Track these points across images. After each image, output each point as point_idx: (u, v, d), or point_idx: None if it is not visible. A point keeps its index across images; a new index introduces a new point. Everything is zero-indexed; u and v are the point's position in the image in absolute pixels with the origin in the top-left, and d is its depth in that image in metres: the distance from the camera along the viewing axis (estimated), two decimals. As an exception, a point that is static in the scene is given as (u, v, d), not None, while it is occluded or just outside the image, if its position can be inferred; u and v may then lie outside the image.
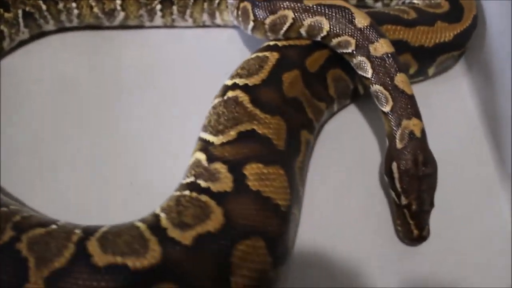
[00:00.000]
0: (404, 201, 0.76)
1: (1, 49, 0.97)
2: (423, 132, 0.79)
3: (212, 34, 1.06)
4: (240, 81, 0.80)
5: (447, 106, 0.98)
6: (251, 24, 0.90)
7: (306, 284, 0.74)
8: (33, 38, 1.02)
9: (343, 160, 0.89)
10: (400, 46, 0.90)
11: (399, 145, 0.79)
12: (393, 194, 0.79)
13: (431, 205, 0.77)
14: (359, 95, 0.94)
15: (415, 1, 1.01)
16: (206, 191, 0.66)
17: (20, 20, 0.96)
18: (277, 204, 0.67)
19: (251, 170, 0.68)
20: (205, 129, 0.76)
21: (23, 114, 0.92)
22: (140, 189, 0.83)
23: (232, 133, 0.72)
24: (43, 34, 1.03)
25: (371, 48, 0.82)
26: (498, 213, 0.85)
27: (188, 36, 1.06)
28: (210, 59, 1.01)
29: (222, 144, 0.71)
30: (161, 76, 0.99)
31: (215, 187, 0.67)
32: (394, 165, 0.78)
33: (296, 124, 0.78)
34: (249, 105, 0.75)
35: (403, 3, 1.03)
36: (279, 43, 0.87)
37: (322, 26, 0.84)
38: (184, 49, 1.04)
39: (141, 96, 0.96)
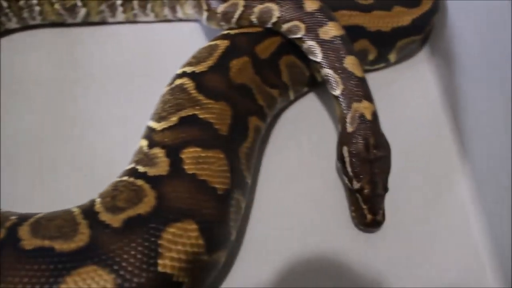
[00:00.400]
0: (356, 185, 0.74)
1: (-36, 47, 0.98)
2: (374, 114, 0.78)
3: (174, 28, 1.06)
4: (188, 69, 0.79)
5: (410, 92, 0.96)
6: (205, 14, 0.90)
7: (259, 273, 0.73)
8: (-3, 36, 1.03)
9: (301, 147, 0.87)
10: (356, 31, 0.89)
11: (349, 128, 0.77)
12: (345, 179, 0.77)
13: (385, 189, 0.75)
14: (317, 82, 0.92)
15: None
16: (143, 175, 0.66)
17: (-19, 18, 0.97)
18: (214, 187, 0.65)
19: (188, 154, 0.67)
20: (151, 117, 0.76)
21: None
22: (98, 179, 0.82)
23: (174, 119, 0.71)
24: (7, 32, 1.03)
25: (320, 32, 0.81)
26: (459, 199, 0.82)
27: (151, 31, 1.05)
28: (173, 52, 0.99)
29: (163, 129, 0.71)
30: (124, 71, 0.99)
31: (151, 171, 0.66)
32: (345, 149, 0.76)
33: (243, 110, 0.77)
34: (193, 91, 0.75)
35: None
36: (232, 32, 0.86)
37: (272, 12, 0.83)
38: (147, 43, 1.04)
39: (103, 91, 0.96)
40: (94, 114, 0.92)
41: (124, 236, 0.59)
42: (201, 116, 0.71)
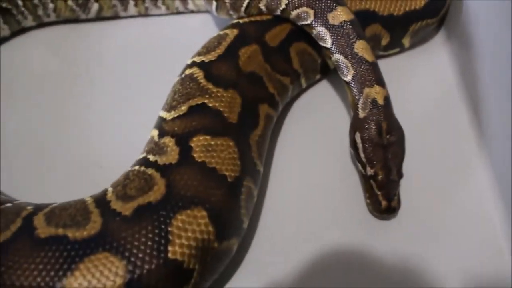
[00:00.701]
0: (369, 171, 0.73)
1: (-18, 46, 1.00)
2: (386, 99, 0.76)
3: (186, 20, 1.06)
4: (197, 59, 0.79)
5: (426, 77, 0.94)
6: (214, 4, 0.90)
7: (272, 261, 0.73)
8: (14, 34, 1.05)
9: (314, 135, 0.86)
10: (368, 16, 0.87)
11: (361, 114, 0.76)
12: (359, 166, 0.76)
13: (399, 174, 0.74)
14: (330, 69, 0.91)
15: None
16: (153, 164, 0.66)
17: (-1, 16, 0.99)
18: (223, 175, 0.65)
19: (197, 142, 0.67)
20: (163, 107, 0.76)
21: (3, 105, 0.94)
22: (111, 171, 0.84)
23: (183, 108, 0.72)
24: (24, 30, 1.06)
25: (329, 17, 0.80)
26: (476, 183, 0.80)
27: (163, 24, 1.06)
28: (185, 44, 1.00)
29: (173, 119, 0.71)
30: (138, 64, 1.00)
31: (161, 160, 0.66)
32: (357, 135, 0.75)
33: (253, 98, 0.77)
34: (202, 80, 0.75)
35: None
36: (241, 21, 0.86)
37: None
38: (160, 36, 1.04)
39: (118, 84, 0.97)
40: (110, 106, 0.93)
41: (134, 223, 0.59)
42: (210, 105, 0.71)
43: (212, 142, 0.67)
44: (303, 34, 0.85)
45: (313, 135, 0.87)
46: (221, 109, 0.71)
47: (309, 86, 0.92)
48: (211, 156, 0.66)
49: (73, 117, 0.92)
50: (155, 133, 0.72)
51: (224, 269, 0.68)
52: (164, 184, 0.63)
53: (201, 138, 0.68)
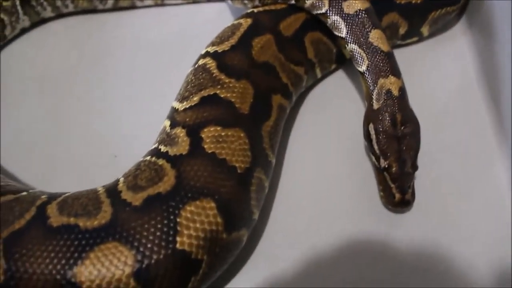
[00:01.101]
0: (383, 163, 0.72)
1: (4, 37, 1.02)
2: (401, 90, 0.74)
3: (202, 9, 1.06)
4: (211, 49, 0.79)
5: (445, 68, 0.91)
6: None
7: (283, 254, 0.72)
8: (34, 25, 1.06)
9: (328, 126, 0.85)
10: (385, 4, 0.85)
11: (376, 105, 0.74)
12: (373, 158, 0.75)
13: (414, 167, 0.72)
14: (345, 59, 0.89)
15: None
16: (164, 155, 0.66)
17: (19, 8, 1.00)
18: (233, 166, 0.65)
19: (208, 133, 0.67)
20: (176, 97, 0.76)
21: (24, 96, 0.96)
22: (126, 161, 0.84)
23: (195, 99, 0.71)
24: (44, 21, 1.07)
25: (344, 6, 0.78)
26: (495, 179, 0.78)
27: (179, 13, 1.06)
28: (201, 33, 0.99)
29: (185, 109, 0.71)
30: (154, 53, 1.00)
31: (172, 150, 0.66)
32: (371, 127, 0.74)
33: (266, 88, 0.76)
34: (215, 71, 0.74)
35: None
36: (255, 10, 0.85)
37: None
38: (176, 25, 1.04)
39: (133, 74, 0.97)
40: (125, 96, 0.94)
41: (144, 214, 0.60)
42: (221, 95, 0.71)
43: (223, 133, 0.67)
44: (318, 23, 0.83)
45: (327, 126, 0.85)
46: (232, 100, 0.71)
47: (324, 76, 0.91)
48: (221, 147, 0.66)
49: (89, 107, 0.93)
50: (167, 123, 0.72)
51: (234, 259, 0.68)
52: (174, 175, 0.63)
53: (211, 129, 0.67)
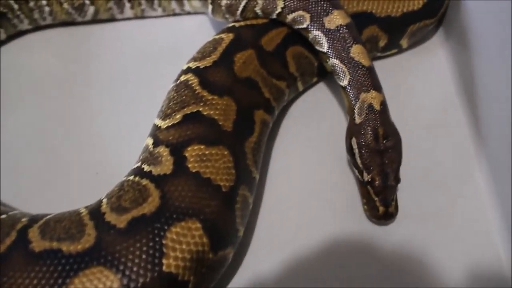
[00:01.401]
0: (366, 177, 0.72)
1: (-21, 50, 0.99)
2: (383, 104, 0.75)
3: (183, 22, 1.05)
4: (192, 64, 0.78)
5: (424, 78, 0.93)
6: (210, 7, 0.88)
7: (268, 268, 0.72)
8: (11, 37, 1.04)
9: (311, 139, 0.86)
10: (365, 18, 0.86)
11: (358, 119, 0.75)
12: (356, 172, 0.75)
13: (396, 179, 0.73)
14: (327, 72, 0.90)
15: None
16: (148, 175, 0.66)
17: (-6, 20, 0.98)
18: (218, 185, 0.65)
19: (192, 151, 0.67)
20: (158, 114, 0.75)
21: (5, 109, 0.94)
22: (107, 178, 0.83)
23: (178, 116, 0.71)
24: (21, 33, 1.05)
25: (325, 21, 0.78)
26: (474, 186, 0.80)
27: (160, 26, 1.05)
28: (182, 47, 0.99)
29: (167, 127, 0.70)
30: (134, 67, 0.99)
31: (156, 170, 0.66)
32: (354, 141, 0.74)
33: (249, 104, 0.76)
34: (197, 87, 0.74)
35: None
36: (237, 24, 0.85)
37: (277, 2, 0.81)
38: (156, 38, 1.03)
39: (112, 89, 0.96)
40: (104, 112, 0.92)
41: (129, 236, 0.59)
42: (204, 113, 0.70)
43: (207, 152, 0.67)
44: (299, 37, 0.83)
45: (310, 138, 0.86)
46: (216, 117, 0.70)
47: (306, 89, 0.91)
48: (205, 166, 0.66)
49: (69, 122, 0.92)
50: (150, 141, 0.71)
51: (220, 277, 0.68)
52: (158, 196, 0.62)
53: (195, 147, 0.67)
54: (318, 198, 0.79)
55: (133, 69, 0.99)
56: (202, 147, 0.67)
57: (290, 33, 0.84)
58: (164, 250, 0.58)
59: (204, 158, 0.66)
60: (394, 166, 0.73)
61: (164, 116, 0.72)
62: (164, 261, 0.58)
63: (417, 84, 0.92)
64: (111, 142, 0.88)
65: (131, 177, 0.67)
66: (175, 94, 0.75)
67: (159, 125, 0.72)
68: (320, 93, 0.92)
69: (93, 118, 0.92)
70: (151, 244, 0.58)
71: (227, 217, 0.65)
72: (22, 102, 0.95)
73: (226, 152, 0.68)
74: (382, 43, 0.90)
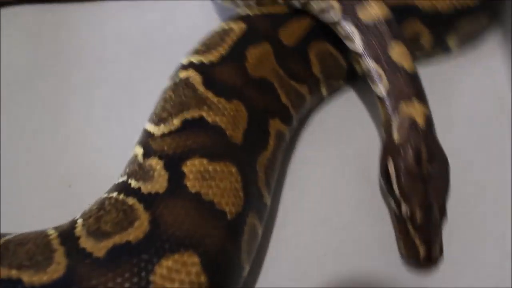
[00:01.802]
0: (405, 209, 0.70)
1: None
2: (428, 119, 0.73)
3: (182, 5, 1.04)
4: (195, 59, 0.77)
5: (475, 87, 0.91)
6: None
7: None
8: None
9: (334, 157, 0.84)
10: (407, 11, 0.85)
11: (397, 137, 0.73)
12: (391, 201, 0.73)
13: (443, 214, 0.70)
14: (357, 75, 0.89)
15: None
16: (136, 192, 0.64)
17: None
18: (223, 210, 0.63)
19: (192, 167, 0.65)
20: (150, 117, 0.74)
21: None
22: (82, 192, 0.81)
23: (176, 122, 0.69)
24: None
25: (359, 13, 0.77)
26: None
27: (157, 8, 1.05)
28: (181, 35, 0.99)
29: (163, 135, 0.68)
30: (122, 59, 0.98)
31: (146, 187, 0.64)
32: (391, 163, 0.72)
33: (262, 111, 0.74)
34: (200, 87, 0.72)
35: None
36: (251, 12, 0.83)
37: None
38: (152, 23, 1.03)
39: (93, 83, 0.95)
40: (79, 112, 0.91)
41: (108, 269, 0.57)
42: (209, 119, 0.69)
43: (210, 168, 0.65)
44: (326, 31, 0.82)
45: (333, 157, 0.84)
46: (222, 126, 0.69)
47: (330, 94, 0.90)
48: (208, 185, 0.64)
49: (38, 123, 0.90)
50: (139, 151, 0.69)
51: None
52: (147, 219, 0.60)
53: (196, 162, 0.65)
54: (341, 232, 0.77)
55: (121, 59, 0.98)
56: (205, 161, 0.65)
57: (314, 25, 0.82)
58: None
59: (207, 176, 0.64)
60: (440, 197, 0.70)
61: (158, 120, 0.71)
62: None
63: (468, 95, 0.91)
64: (88, 149, 0.86)
65: (114, 194, 0.65)
66: (172, 94, 0.73)
67: (151, 132, 0.70)
68: (347, 100, 0.90)
69: (65, 119, 0.90)
70: (135, 280, 0.56)
71: (231, 251, 0.63)
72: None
73: (233, 170, 0.66)
74: (425, 42, 0.89)
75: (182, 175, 0.64)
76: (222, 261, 0.61)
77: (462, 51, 0.95)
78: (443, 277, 0.72)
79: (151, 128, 0.71)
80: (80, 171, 0.84)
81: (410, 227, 0.70)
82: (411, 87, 0.74)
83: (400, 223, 0.72)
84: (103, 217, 0.62)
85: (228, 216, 0.63)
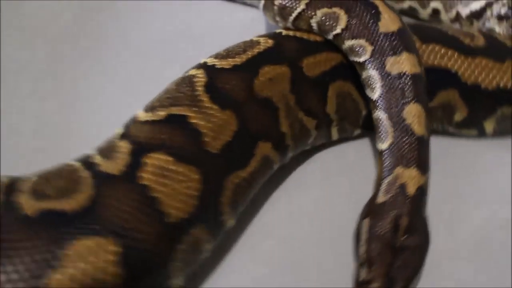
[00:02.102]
0: (364, 275, 0.67)
1: None
2: (420, 190, 0.70)
3: (235, 12, 1.06)
4: (210, 61, 0.77)
5: (501, 182, 0.84)
6: (262, 1, 0.88)
7: None
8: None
9: (322, 203, 0.81)
10: (445, 77, 0.82)
11: (381, 198, 0.70)
12: (356, 261, 0.70)
13: None
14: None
15: (496, 28, 0.90)
16: (93, 167, 0.64)
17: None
18: (166, 212, 0.62)
19: (154, 160, 0.65)
20: (146, 105, 0.75)
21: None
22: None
23: (161, 113, 0.69)
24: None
25: (388, 61, 0.75)
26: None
27: (210, 9, 1.07)
28: (221, 39, 1.00)
29: (145, 122, 0.69)
30: (154, 52, 1.02)
31: (105, 166, 0.64)
32: (365, 223, 0.69)
33: (255, 130, 0.73)
34: (200, 89, 0.72)
35: (481, 25, 0.93)
36: (284, 32, 0.83)
37: (338, 20, 0.79)
38: (196, 21, 1.05)
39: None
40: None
41: (31, 228, 0.57)
42: (191, 120, 0.68)
43: (173, 167, 0.65)
44: (354, 72, 0.80)
45: (320, 202, 0.81)
46: (203, 131, 0.68)
47: (342, 140, 0.87)
48: (161, 183, 0.63)
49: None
50: (119, 131, 0.70)
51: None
52: (91, 196, 0.61)
53: (161, 157, 0.65)
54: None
55: (151, 54, 1.01)
56: (170, 159, 0.65)
57: (343, 64, 0.81)
58: (63, 262, 0.56)
59: (165, 173, 0.64)
60: (406, 274, 0.66)
61: (149, 108, 0.71)
62: (55, 275, 0.56)
63: (486, 181, 0.84)
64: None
65: (76, 163, 0.66)
66: (174, 87, 0.74)
67: (138, 117, 0.71)
68: (356, 147, 0.87)
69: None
70: (51, 248, 0.56)
71: (160, 255, 0.62)
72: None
73: (196, 177, 0.65)
74: (459, 117, 0.85)
75: (142, 165, 0.64)
76: (146, 260, 0.61)
77: (496, 136, 0.89)
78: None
79: (141, 113, 0.72)
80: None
81: None
82: (414, 153, 0.71)
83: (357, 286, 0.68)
84: (52, 180, 0.63)
85: (170, 219, 0.63)
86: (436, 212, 0.74)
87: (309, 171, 0.84)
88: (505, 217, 0.80)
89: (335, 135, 0.85)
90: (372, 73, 0.76)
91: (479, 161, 0.87)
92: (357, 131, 0.86)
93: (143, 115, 0.71)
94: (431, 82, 0.78)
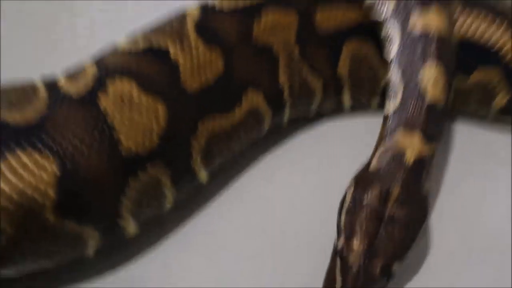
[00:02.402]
0: (340, 242, 0.59)
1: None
2: (421, 161, 0.64)
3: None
4: (212, 2, 0.73)
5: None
6: None
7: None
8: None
9: (315, 182, 0.75)
10: (484, 54, 0.74)
11: (374, 165, 0.64)
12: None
13: (386, 270, 0.59)
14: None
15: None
16: (54, 88, 0.62)
17: None
18: (119, 141, 0.59)
19: (118, 86, 0.62)
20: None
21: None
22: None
23: (142, 45, 0.66)
24: None
25: (411, 18, 0.69)
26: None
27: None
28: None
29: (123, 52, 0.66)
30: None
31: (66, 86, 0.62)
32: (351, 190, 0.63)
33: (245, 76, 0.69)
34: (190, 24, 0.68)
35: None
36: None
37: None
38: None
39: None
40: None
41: None
42: (171, 55, 0.65)
43: (136, 95, 0.61)
44: (374, 34, 0.74)
45: (311, 180, 0.75)
46: (182, 67, 0.64)
47: (354, 108, 0.80)
48: (120, 111, 0.60)
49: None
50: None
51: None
52: (41, 114, 0.59)
53: (125, 83, 0.62)
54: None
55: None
56: (134, 86, 0.61)
57: (363, 23, 0.74)
58: None
59: (125, 101, 0.61)
60: (391, 248, 0.59)
61: (131, 37, 0.69)
62: None
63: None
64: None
65: (38, 81, 0.64)
66: (164, 21, 0.70)
67: (118, 45, 0.68)
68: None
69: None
70: None
71: (107, 186, 0.59)
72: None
73: (161, 110, 0.61)
74: (500, 101, 0.75)
75: (103, 89, 0.61)
76: (88, 190, 0.58)
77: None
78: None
79: (121, 41, 0.69)
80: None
81: (337, 264, 0.60)
82: (421, 118, 0.65)
83: (332, 259, 0.61)
84: (8, 93, 0.62)
85: (124, 151, 0.59)
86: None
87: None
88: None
89: (347, 102, 0.78)
90: (391, 30, 0.70)
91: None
92: (376, 100, 0.78)
93: (122, 44, 0.68)
94: (468, 58, 0.71)
